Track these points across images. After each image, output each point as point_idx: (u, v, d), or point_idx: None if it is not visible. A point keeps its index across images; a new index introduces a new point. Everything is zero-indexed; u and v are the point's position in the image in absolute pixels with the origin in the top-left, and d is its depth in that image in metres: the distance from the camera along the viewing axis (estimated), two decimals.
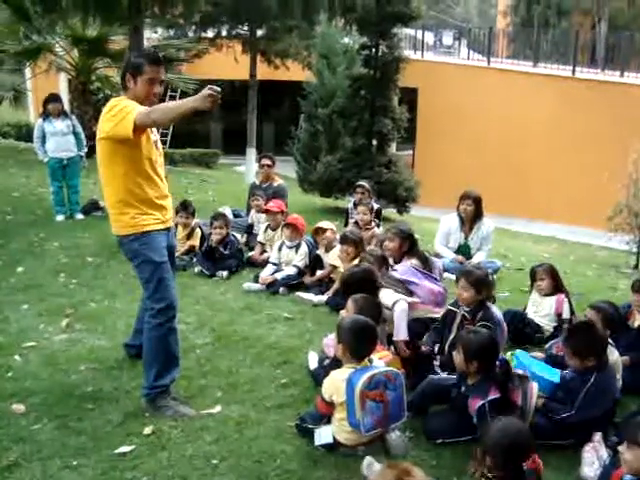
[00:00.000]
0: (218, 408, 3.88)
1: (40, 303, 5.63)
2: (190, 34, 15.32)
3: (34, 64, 12.21)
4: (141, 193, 3.74)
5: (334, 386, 3.45)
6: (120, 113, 3.54)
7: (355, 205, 8.04)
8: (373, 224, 7.19)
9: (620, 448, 2.72)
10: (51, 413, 3.76)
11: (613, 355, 3.98)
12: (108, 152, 3.69)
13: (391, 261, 5.47)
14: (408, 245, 5.71)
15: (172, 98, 21.43)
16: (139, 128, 3.50)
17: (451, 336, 4.24)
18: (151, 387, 3.82)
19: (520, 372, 3.66)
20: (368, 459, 3.23)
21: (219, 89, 3.33)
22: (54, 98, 8.87)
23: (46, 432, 3.58)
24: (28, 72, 15.31)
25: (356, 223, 7.17)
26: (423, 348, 4.34)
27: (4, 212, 8.97)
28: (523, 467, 2.78)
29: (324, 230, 6.60)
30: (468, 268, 4.40)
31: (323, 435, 3.43)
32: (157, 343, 3.80)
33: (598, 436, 3.47)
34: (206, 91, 3.30)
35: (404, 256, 5.63)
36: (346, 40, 13.50)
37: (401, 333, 4.35)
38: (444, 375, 4.02)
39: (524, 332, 5.03)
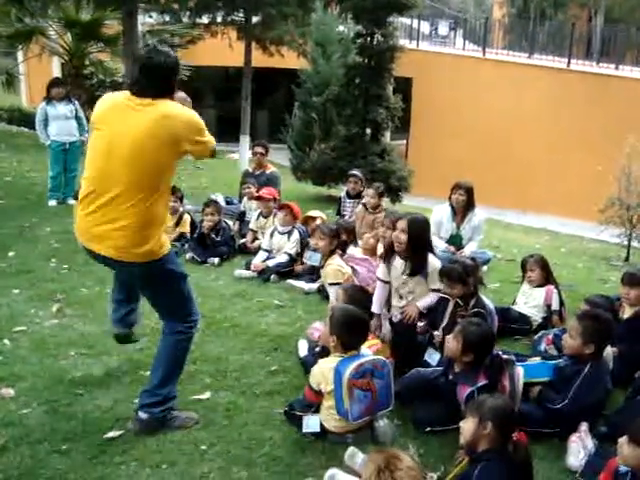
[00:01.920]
0: (207, 394, 3.90)
1: (31, 288, 5.61)
2: (185, 20, 15.19)
3: (27, 47, 12.10)
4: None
5: (322, 375, 3.47)
6: (200, 130, 3.35)
7: (348, 194, 8.03)
8: (381, 207, 7.16)
9: (620, 440, 2.73)
10: (41, 397, 3.77)
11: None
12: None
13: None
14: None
15: None
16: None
17: (444, 322, 4.26)
18: (164, 401, 3.49)
19: (505, 357, 3.68)
20: (351, 449, 3.25)
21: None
22: (58, 82, 8.98)
23: (35, 416, 3.58)
24: (21, 55, 15.19)
25: (364, 205, 7.15)
26: (419, 324, 4.36)
27: None
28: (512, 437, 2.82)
29: (314, 219, 6.62)
30: (446, 267, 4.34)
31: (310, 424, 3.45)
32: (183, 355, 3.64)
33: (585, 426, 3.50)
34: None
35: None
36: (341, 28, 13.42)
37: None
38: (433, 362, 4.04)
39: (510, 327, 5.03)
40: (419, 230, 4.43)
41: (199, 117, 3.35)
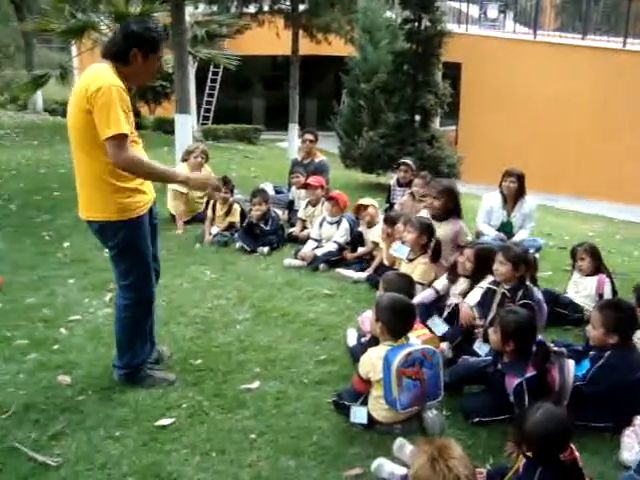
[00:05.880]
0: (257, 383, 3.93)
1: (85, 277, 5.76)
2: (232, 9, 15.28)
3: (79, 42, 12.34)
4: None
5: (371, 363, 3.46)
6: (111, 112, 3.27)
7: (398, 182, 7.97)
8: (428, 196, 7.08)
9: None
10: (95, 385, 3.86)
11: None
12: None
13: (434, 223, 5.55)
14: (453, 203, 5.75)
15: (214, 74, 21.55)
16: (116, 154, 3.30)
17: (491, 314, 4.20)
18: (126, 366, 3.83)
19: (556, 349, 3.61)
20: (400, 440, 3.24)
21: (222, 191, 3.54)
22: None
23: (90, 403, 3.68)
24: (74, 50, 15.50)
25: (412, 194, 7.10)
26: (475, 317, 4.33)
27: (51, 188, 9.17)
28: (560, 458, 2.73)
29: (366, 207, 6.56)
30: (507, 244, 4.37)
31: (358, 415, 3.45)
32: (128, 327, 3.80)
33: (639, 420, 3.41)
34: (213, 181, 3.57)
35: (449, 214, 5.73)
36: (389, 14, 13.29)
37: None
38: (482, 353, 3.99)
39: (561, 313, 4.95)
40: (485, 260, 4.51)
41: (120, 92, 3.34)
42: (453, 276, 4.84)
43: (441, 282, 4.93)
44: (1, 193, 9.00)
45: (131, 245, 3.60)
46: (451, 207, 5.70)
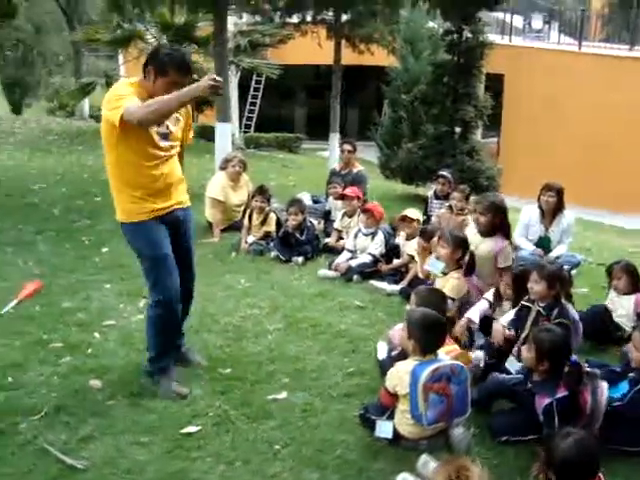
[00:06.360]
0: (284, 394, 3.94)
1: (121, 283, 5.85)
2: (275, 19, 15.43)
3: (126, 51, 12.63)
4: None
5: (398, 377, 3.44)
6: (116, 101, 3.56)
7: (436, 194, 7.91)
8: (467, 210, 7.01)
9: None
10: (125, 390, 3.91)
11: None
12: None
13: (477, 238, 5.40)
14: (500, 219, 5.41)
15: (257, 83, 21.76)
16: (125, 123, 3.51)
17: (525, 332, 4.12)
18: (148, 361, 4.03)
19: (589, 370, 3.52)
20: (424, 457, 3.21)
21: (220, 79, 3.41)
22: None
23: (119, 408, 3.73)
24: (121, 58, 15.82)
25: (450, 207, 7.04)
26: (507, 332, 4.24)
27: (93, 194, 9.35)
28: None
29: (411, 219, 6.47)
30: (541, 262, 4.28)
31: (383, 429, 3.43)
32: (153, 327, 3.99)
33: None
34: (207, 81, 3.37)
35: (495, 231, 5.40)
36: (431, 24, 13.25)
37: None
38: (513, 371, 3.92)
39: (607, 330, 4.85)
40: (522, 281, 4.38)
41: (124, 88, 3.63)
42: (498, 300, 4.75)
43: (491, 294, 4.85)
44: (45, 198, 9.22)
45: (137, 248, 3.92)
46: (497, 223, 5.50)
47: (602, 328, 4.79)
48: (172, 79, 3.64)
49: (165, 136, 3.78)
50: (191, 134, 4.17)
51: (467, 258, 5.24)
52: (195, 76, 12.99)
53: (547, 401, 3.31)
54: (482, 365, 4.10)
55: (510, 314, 4.39)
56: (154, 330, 3.96)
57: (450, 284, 5.04)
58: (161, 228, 3.87)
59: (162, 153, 3.78)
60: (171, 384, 3.91)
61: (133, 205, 3.80)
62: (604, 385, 3.46)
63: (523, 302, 4.29)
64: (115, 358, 4.37)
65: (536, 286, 4.11)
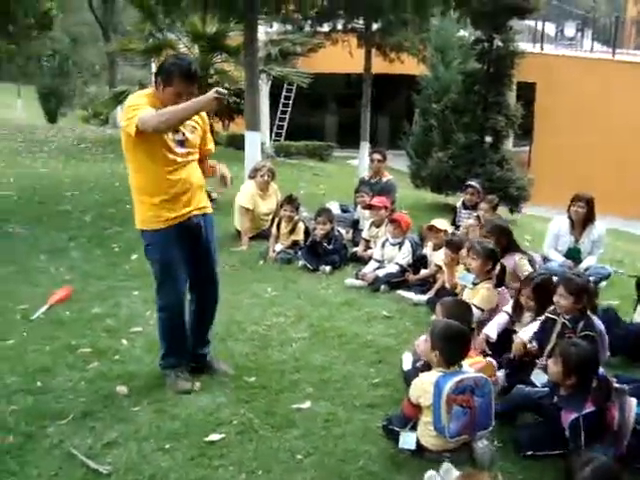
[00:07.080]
0: (308, 404, 3.93)
1: (149, 290, 5.81)
2: (306, 28, 15.50)
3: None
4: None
5: (422, 388, 3.42)
6: (131, 112, 3.69)
7: (464, 204, 7.87)
8: None
9: None
10: (150, 397, 3.95)
11: None
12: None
13: None
14: (505, 240, 5.57)
15: (288, 91, 21.86)
16: (142, 132, 3.65)
17: (550, 345, 4.06)
18: (160, 357, 4.22)
19: (618, 386, 3.45)
20: (447, 464, 3.18)
21: (225, 92, 3.50)
22: None
23: (144, 414, 3.76)
24: (154, 67, 16.04)
25: (477, 217, 7.00)
26: (529, 345, 4.18)
27: (125, 201, 9.42)
28: None
29: (438, 230, 6.41)
30: (568, 275, 4.19)
31: (407, 440, 3.40)
32: (162, 328, 4.22)
33: None
34: (212, 94, 3.47)
35: (505, 253, 5.49)
36: (462, 33, 13.19)
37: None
38: (539, 384, 3.86)
39: (626, 340, 4.71)
40: (544, 291, 4.38)
41: (139, 99, 3.77)
42: (519, 312, 4.66)
43: (509, 307, 4.80)
44: (78, 205, 9.38)
45: (148, 253, 4.07)
46: (504, 244, 5.52)
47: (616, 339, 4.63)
48: (177, 89, 3.75)
49: (181, 143, 3.91)
50: (211, 144, 4.27)
51: (497, 269, 5.20)
52: (226, 84, 13.23)
53: (574, 416, 3.25)
54: (501, 384, 4.04)
55: (532, 326, 4.32)
56: (161, 331, 4.19)
57: (480, 295, 5.00)
58: (176, 236, 3.99)
59: (179, 159, 3.91)
60: (176, 380, 4.07)
61: (150, 213, 3.94)
62: (633, 401, 3.38)
63: (548, 314, 4.22)
64: (141, 365, 4.41)
65: (563, 300, 4.04)
